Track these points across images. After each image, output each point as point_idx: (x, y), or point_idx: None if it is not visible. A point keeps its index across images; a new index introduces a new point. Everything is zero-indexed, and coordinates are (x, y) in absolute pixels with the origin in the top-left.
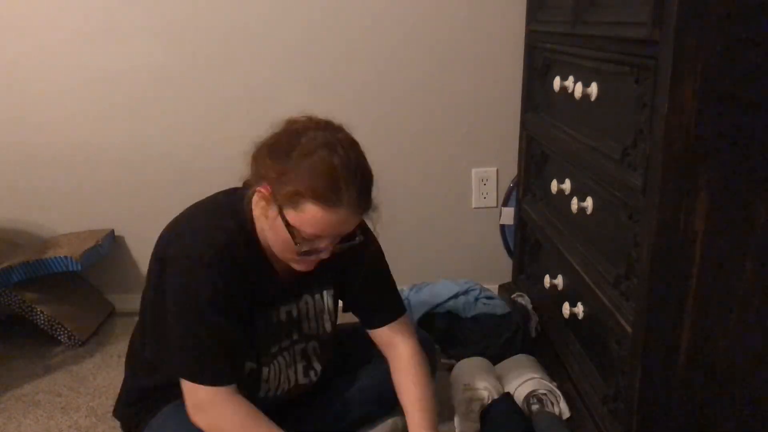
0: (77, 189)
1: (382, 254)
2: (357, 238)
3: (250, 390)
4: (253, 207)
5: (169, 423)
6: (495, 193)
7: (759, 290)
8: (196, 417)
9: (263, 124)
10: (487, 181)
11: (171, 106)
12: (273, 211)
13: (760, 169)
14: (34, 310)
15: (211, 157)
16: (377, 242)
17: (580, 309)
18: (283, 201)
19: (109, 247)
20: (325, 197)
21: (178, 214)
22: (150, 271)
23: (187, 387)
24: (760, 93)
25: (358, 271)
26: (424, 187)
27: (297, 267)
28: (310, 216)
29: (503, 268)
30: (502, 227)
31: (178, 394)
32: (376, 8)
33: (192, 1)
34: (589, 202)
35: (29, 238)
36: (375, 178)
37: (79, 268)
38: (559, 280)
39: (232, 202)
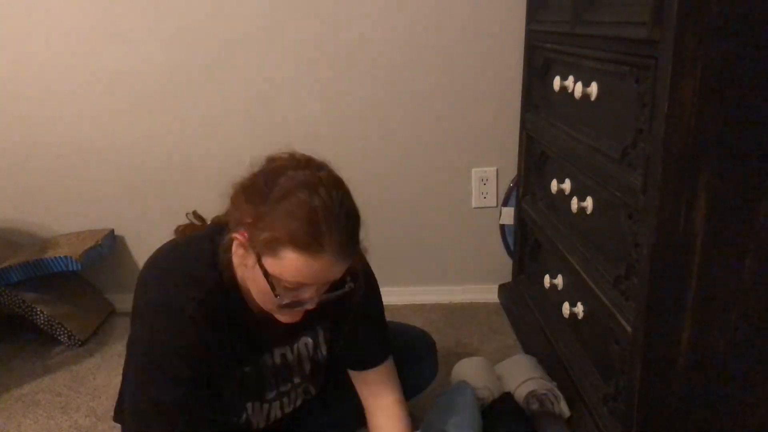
0: (77, 189)
1: (377, 295)
2: (347, 286)
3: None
4: (233, 255)
5: None
6: (495, 193)
7: (759, 290)
8: None
9: (264, 125)
10: (487, 181)
11: (172, 106)
12: (251, 259)
13: (759, 169)
14: (34, 310)
15: (212, 158)
16: (373, 279)
17: (580, 309)
18: (261, 248)
19: (109, 247)
20: (305, 243)
21: (155, 251)
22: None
23: None
24: (760, 93)
25: (347, 315)
26: (424, 187)
27: (281, 319)
28: (289, 264)
29: (503, 268)
30: (502, 227)
31: None
32: (377, 9)
33: (194, 2)
34: (589, 202)
35: (29, 238)
36: (375, 179)
37: (79, 268)
38: (559, 280)
39: (211, 250)
